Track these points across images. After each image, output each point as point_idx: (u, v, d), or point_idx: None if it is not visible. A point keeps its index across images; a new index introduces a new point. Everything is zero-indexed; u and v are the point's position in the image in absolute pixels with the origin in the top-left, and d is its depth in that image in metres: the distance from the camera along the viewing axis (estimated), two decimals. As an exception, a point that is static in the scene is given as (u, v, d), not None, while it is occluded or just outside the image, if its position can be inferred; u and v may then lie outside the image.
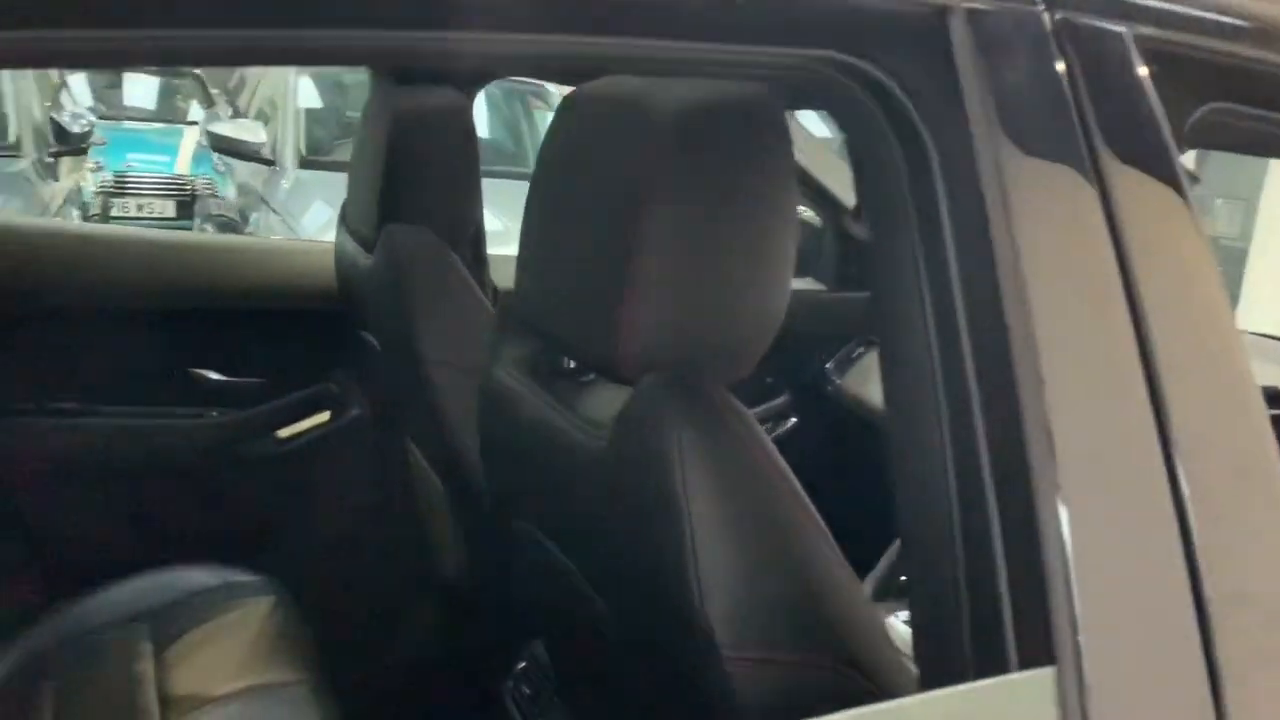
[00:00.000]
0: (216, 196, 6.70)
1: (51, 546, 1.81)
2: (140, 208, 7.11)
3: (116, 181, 7.02)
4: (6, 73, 4.19)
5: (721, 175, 0.77)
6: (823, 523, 0.76)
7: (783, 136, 0.79)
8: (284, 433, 1.98)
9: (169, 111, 9.13)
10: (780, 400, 2.27)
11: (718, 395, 0.77)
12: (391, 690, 1.75)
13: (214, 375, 1.93)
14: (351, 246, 1.63)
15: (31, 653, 1.61)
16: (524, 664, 1.48)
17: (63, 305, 1.75)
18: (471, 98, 1.73)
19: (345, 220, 1.73)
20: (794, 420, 2.28)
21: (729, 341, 0.80)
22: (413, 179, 1.47)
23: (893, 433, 0.69)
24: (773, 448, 0.77)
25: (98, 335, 1.79)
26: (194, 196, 7.09)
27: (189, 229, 6.68)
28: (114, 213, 6.79)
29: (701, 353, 0.79)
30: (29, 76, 4.35)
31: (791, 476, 0.76)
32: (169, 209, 7.20)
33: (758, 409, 2.26)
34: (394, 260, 1.43)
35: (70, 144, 4.53)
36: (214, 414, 1.92)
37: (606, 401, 0.85)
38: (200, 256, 1.93)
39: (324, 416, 2.00)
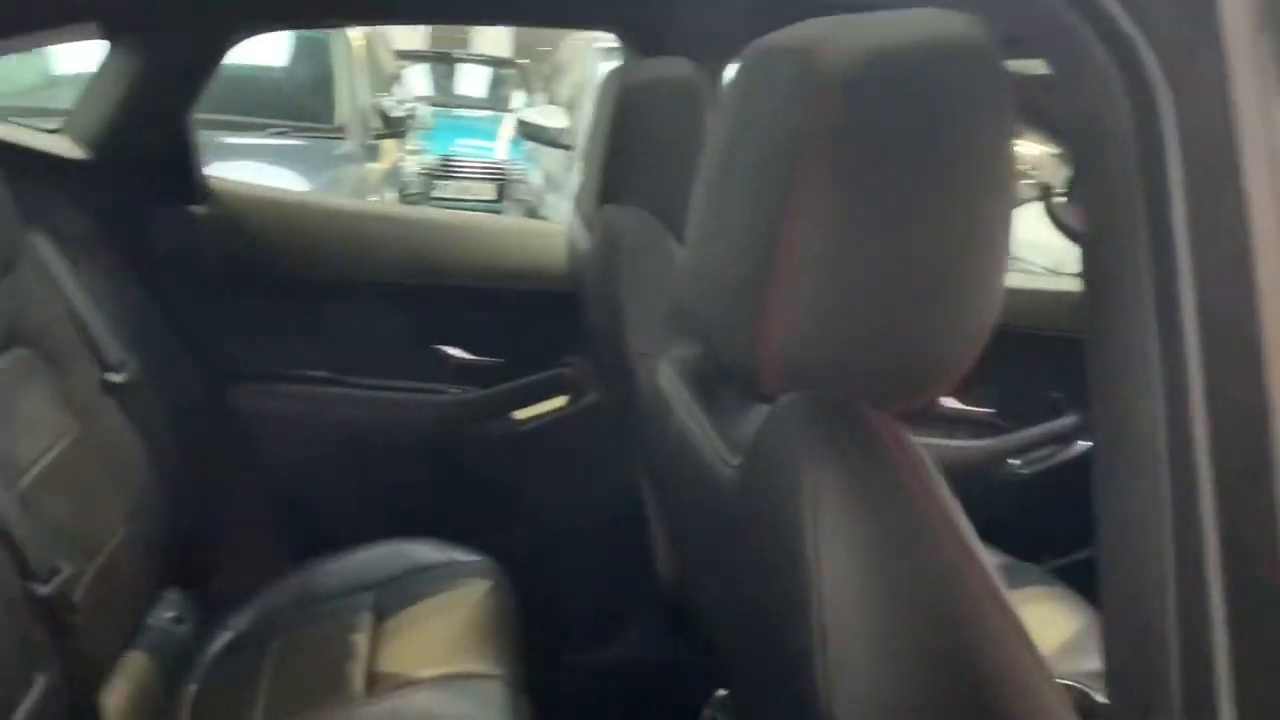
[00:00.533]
0: (525, 181, 7.02)
1: (296, 508, 1.89)
2: (463, 190, 7.60)
3: (441, 165, 7.55)
4: (341, 62, 4.57)
5: (905, 140, 0.60)
6: (1009, 603, 0.57)
7: (995, 91, 0.60)
8: (521, 415, 1.96)
9: (496, 100, 9.74)
10: (1067, 420, 1.98)
11: (880, 426, 0.60)
12: (590, 693, 1.68)
13: (458, 353, 1.94)
14: (577, 228, 1.57)
15: (266, 611, 1.69)
16: (725, 692, 1.36)
17: (323, 277, 1.82)
18: (716, 73, 1.60)
19: (577, 201, 1.68)
20: (1086, 444, 1.98)
21: (905, 357, 0.62)
22: (634, 157, 1.38)
23: (1096, 495, 0.50)
24: (951, 500, 0.59)
25: (352, 307, 1.84)
26: (508, 181, 7.49)
27: (500, 212, 7.06)
28: (434, 194, 7.31)
29: (865, 369, 0.62)
30: (359, 65, 4.73)
31: (972, 540, 0.58)
32: (488, 192, 7.65)
33: (1037, 429, 1.99)
34: (605, 243, 1.34)
35: (392, 128, 4.89)
36: (455, 391, 1.93)
37: (754, 422, 0.70)
38: (449, 234, 1.95)
39: (561, 401, 1.97)
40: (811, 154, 0.60)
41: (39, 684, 1.22)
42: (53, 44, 1.91)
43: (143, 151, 1.67)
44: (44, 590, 1.24)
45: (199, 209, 1.75)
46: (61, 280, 1.57)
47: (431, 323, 1.90)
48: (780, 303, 0.60)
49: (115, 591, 1.49)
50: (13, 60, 3.75)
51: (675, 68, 1.44)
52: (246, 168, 4.02)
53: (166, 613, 1.67)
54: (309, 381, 1.84)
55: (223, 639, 1.66)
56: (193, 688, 1.54)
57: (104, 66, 1.61)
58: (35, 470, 1.38)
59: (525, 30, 13.14)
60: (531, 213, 6.09)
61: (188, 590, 1.74)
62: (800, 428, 0.60)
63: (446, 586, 1.67)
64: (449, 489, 1.89)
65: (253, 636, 1.63)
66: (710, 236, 0.72)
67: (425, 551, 1.77)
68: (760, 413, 0.66)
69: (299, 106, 4.33)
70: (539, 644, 1.66)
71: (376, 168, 4.72)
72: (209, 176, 1.78)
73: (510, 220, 2.28)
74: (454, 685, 1.41)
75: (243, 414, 1.82)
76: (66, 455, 1.46)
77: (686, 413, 0.79)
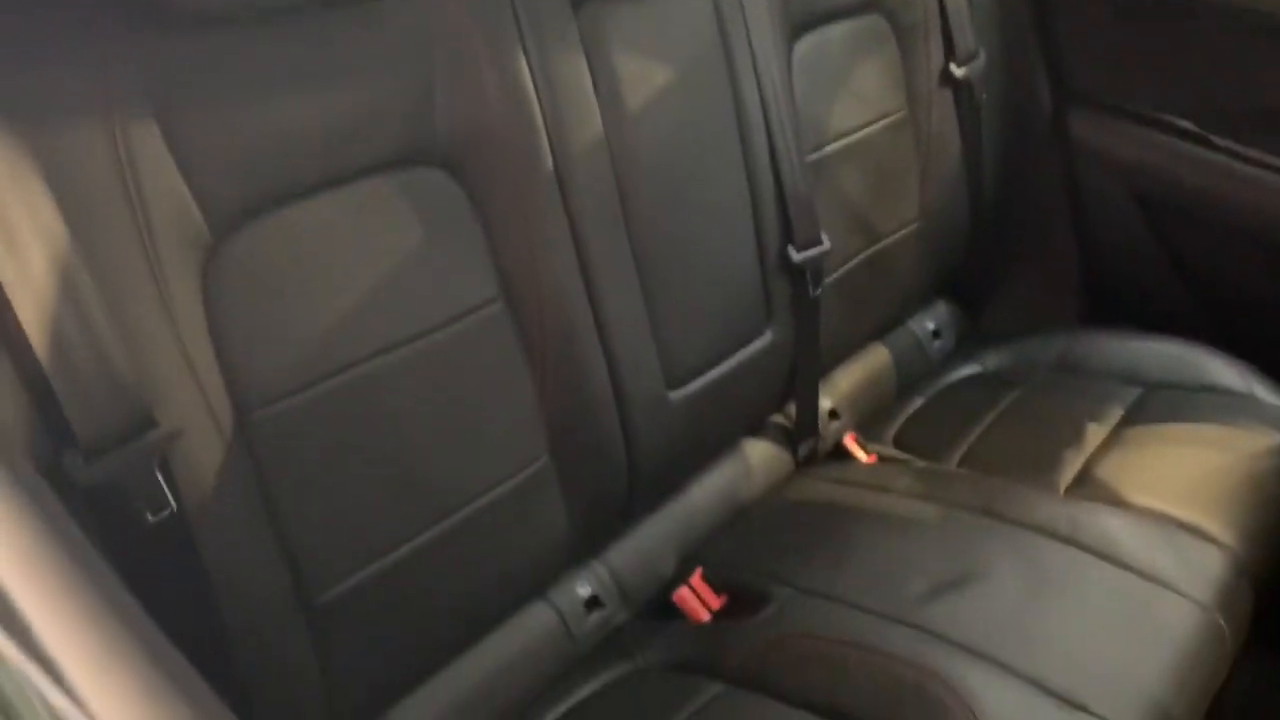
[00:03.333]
0: None
1: (1101, 261, 1.66)
2: None
3: None
4: None
5: None
6: None
7: None
8: None
9: None
10: None
11: None
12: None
13: None
14: None
15: (1022, 360, 1.58)
16: None
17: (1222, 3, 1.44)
18: None
19: None
20: None
21: None
22: None
23: None
24: None
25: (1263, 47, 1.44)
26: None
27: None
28: None
29: None
30: None
31: None
32: None
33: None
34: None
35: None
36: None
37: None
38: None
39: None
40: None
41: (766, 336, 1.30)
42: None
43: None
44: (797, 257, 1.28)
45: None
46: (932, -47, 1.49)
47: None
48: None
49: (880, 281, 1.49)
50: None
51: None
52: None
53: (928, 322, 1.65)
54: (1163, 129, 1.53)
55: (968, 369, 1.60)
56: (918, 401, 1.53)
57: None
58: (842, 142, 1.39)
59: None
60: None
61: (957, 308, 1.69)
62: None
63: (1229, 420, 1.35)
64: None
65: (1001, 380, 1.54)
66: None
67: (1223, 371, 1.45)
68: None
69: None
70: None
71: None
72: None
73: None
74: (1161, 529, 1.17)
75: (1077, 141, 1.60)
76: (881, 136, 1.45)
77: None
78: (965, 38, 1.51)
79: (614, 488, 1.15)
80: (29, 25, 0.73)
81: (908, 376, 1.57)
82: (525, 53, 1.01)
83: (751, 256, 1.26)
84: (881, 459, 1.40)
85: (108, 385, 0.74)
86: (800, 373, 1.36)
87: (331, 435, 0.89)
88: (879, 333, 1.57)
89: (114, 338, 0.74)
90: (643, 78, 1.11)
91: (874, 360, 1.55)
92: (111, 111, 0.75)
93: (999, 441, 1.38)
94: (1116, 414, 1.39)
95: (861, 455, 1.41)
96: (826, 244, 1.31)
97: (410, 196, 0.94)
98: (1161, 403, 1.41)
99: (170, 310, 0.79)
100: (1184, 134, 1.51)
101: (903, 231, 1.50)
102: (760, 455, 1.37)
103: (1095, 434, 1.35)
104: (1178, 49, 1.49)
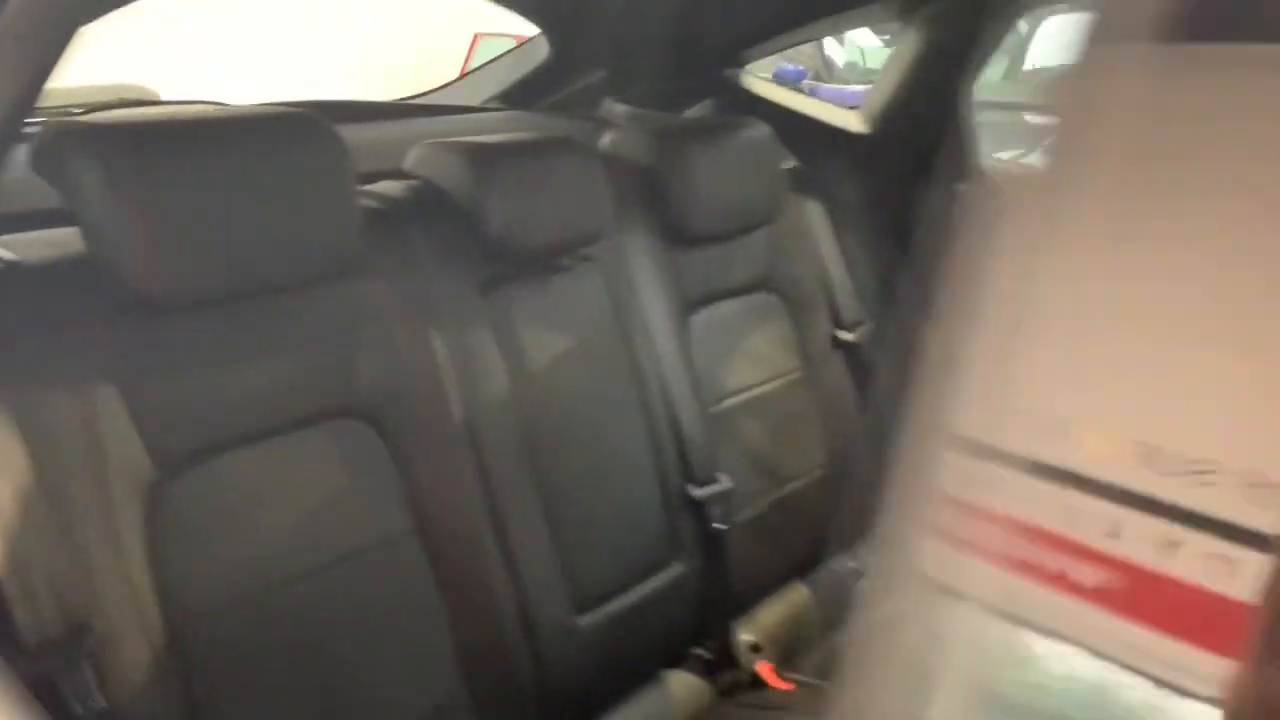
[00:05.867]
0: None
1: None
2: None
3: None
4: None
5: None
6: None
7: None
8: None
9: None
10: None
11: None
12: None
13: None
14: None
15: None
16: None
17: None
18: None
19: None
20: None
21: None
22: None
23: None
24: None
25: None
26: None
27: None
28: None
29: None
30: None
31: None
32: None
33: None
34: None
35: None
36: None
37: None
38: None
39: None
40: None
41: (674, 568, 1.43)
42: (856, 27, 2.09)
43: (917, 128, 1.74)
44: (697, 493, 1.44)
45: (963, 188, 1.75)
46: (819, 240, 1.74)
47: None
48: None
49: (792, 522, 1.63)
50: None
51: None
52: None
53: (850, 562, 1.76)
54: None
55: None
56: (844, 635, 1.61)
57: (896, 47, 1.71)
58: (742, 396, 1.58)
59: None
60: None
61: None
62: None
63: None
64: None
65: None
66: None
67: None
68: None
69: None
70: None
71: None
72: (984, 156, 1.77)
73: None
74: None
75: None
76: (779, 392, 1.64)
77: None
78: (850, 307, 1.74)
79: (527, 715, 1.24)
80: (28, 310, 0.94)
81: (832, 613, 1.66)
82: (440, 328, 1.22)
83: (653, 492, 1.41)
84: (800, 686, 1.48)
85: (54, 598, 0.88)
86: (713, 605, 1.47)
87: (255, 655, 1.01)
88: (799, 571, 1.68)
89: (64, 559, 0.90)
90: (545, 344, 1.32)
91: (795, 598, 1.65)
92: (81, 380, 0.94)
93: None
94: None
95: (779, 684, 1.48)
96: (725, 483, 1.46)
97: (335, 444, 1.11)
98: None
99: (117, 539, 0.94)
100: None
101: (809, 476, 1.66)
102: (680, 686, 1.45)
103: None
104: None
